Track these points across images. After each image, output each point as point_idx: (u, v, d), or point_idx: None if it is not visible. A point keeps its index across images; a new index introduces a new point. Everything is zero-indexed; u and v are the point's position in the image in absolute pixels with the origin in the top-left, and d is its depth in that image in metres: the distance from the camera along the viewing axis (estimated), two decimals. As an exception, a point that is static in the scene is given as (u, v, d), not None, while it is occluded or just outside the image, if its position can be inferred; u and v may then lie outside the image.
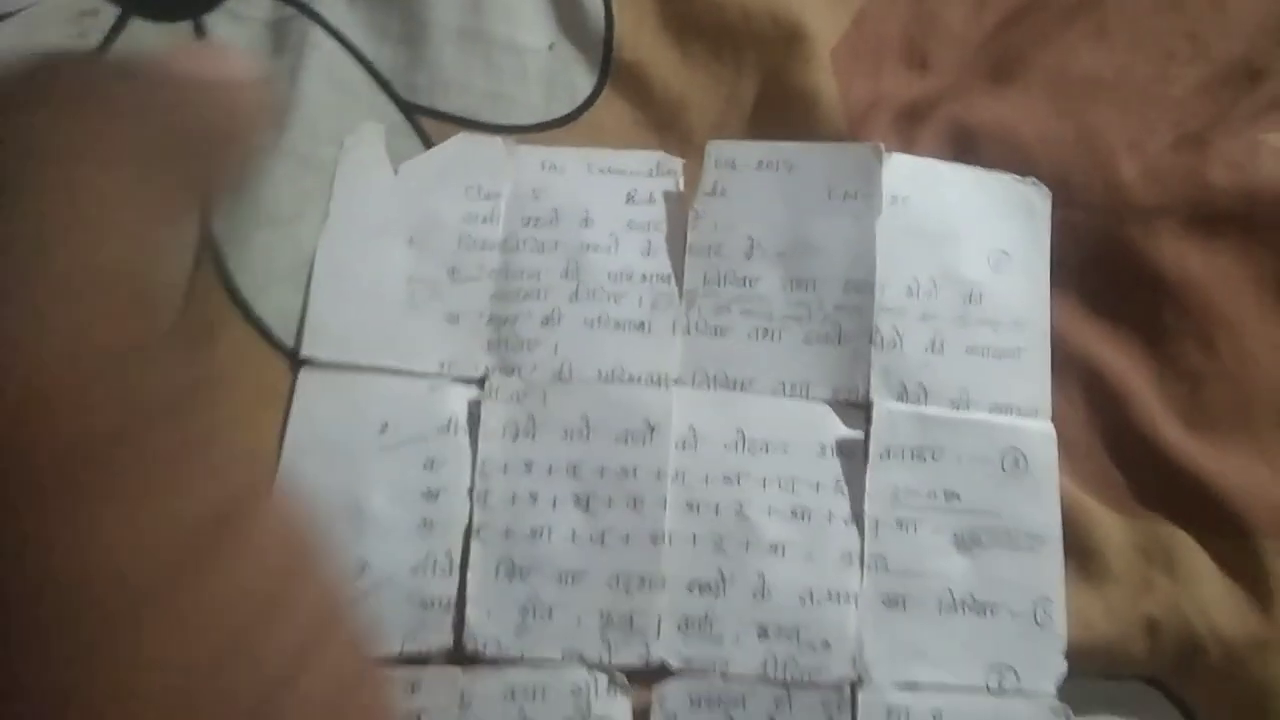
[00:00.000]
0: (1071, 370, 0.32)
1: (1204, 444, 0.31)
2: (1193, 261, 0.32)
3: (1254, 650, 0.29)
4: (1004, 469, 0.30)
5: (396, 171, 0.32)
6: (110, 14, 0.33)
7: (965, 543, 0.29)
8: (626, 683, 0.28)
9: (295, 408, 0.30)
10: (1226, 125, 0.34)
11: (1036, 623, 0.29)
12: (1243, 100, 0.34)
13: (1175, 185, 0.32)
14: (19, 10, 0.33)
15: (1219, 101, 0.34)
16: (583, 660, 0.28)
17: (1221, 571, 0.30)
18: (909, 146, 0.33)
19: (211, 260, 0.31)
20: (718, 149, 0.32)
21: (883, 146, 0.32)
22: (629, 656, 0.28)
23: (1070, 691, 0.29)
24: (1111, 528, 0.30)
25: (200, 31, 0.33)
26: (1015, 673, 0.28)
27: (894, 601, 0.29)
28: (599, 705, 0.28)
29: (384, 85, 0.33)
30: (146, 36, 0.32)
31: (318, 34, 0.33)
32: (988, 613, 0.29)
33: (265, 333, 0.30)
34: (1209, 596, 0.29)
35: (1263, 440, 0.31)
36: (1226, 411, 0.31)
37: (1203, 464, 0.31)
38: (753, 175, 0.32)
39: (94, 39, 0.32)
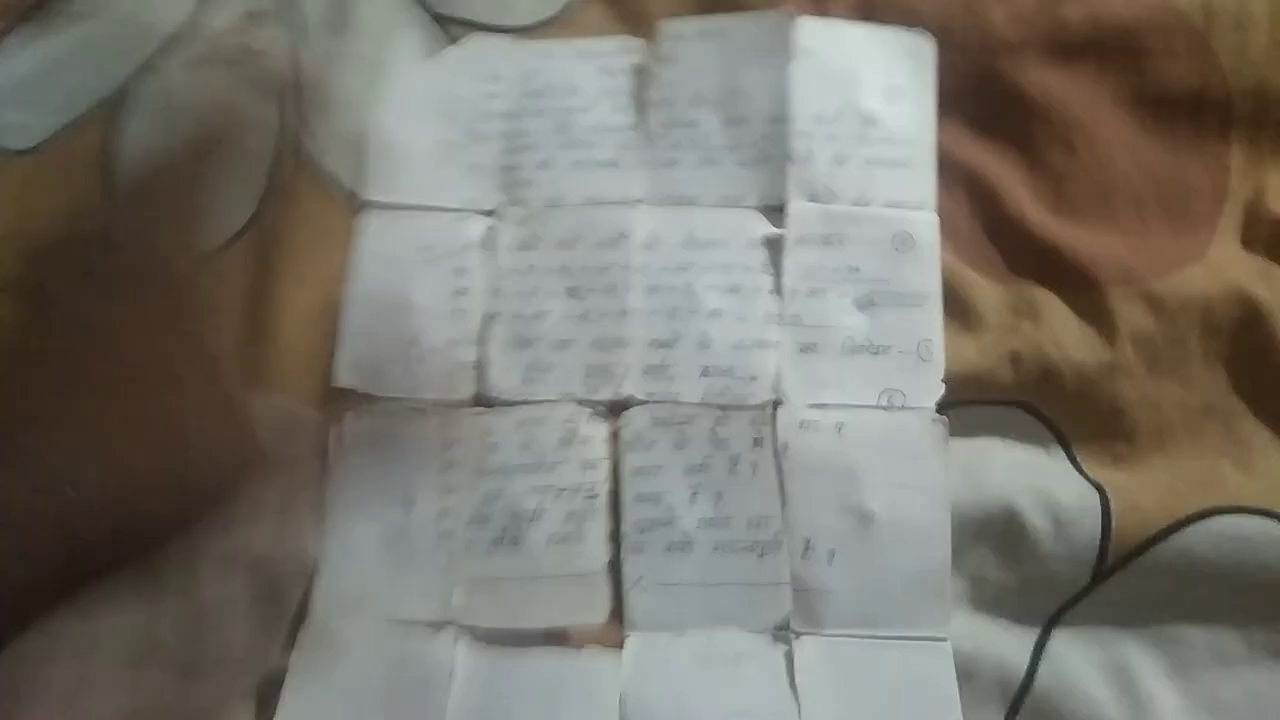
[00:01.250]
0: (956, 175, 0.39)
1: (1066, 224, 0.38)
2: (1053, 83, 0.39)
3: (1102, 373, 0.36)
4: (895, 248, 0.38)
5: (428, 64, 0.43)
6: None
7: (863, 303, 0.37)
8: (605, 411, 0.37)
9: (363, 237, 0.40)
10: (1084, -22, 0.41)
11: (920, 358, 0.37)
12: (1098, -43, 0.41)
13: (1037, 24, 0.40)
14: None
15: (1081, -37, 0.42)
16: (571, 399, 0.37)
17: (1077, 317, 0.37)
18: (819, 14, 0.41)
19: (292, 140, 0.42)
20: (667, 25, 0.42)
21: (793, 11, 0.40)
22: (605, 394, 0.37)
23: (953, 418, 0.36)
24: (987, 291, 0.38)
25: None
26: (903, 394, 0.36)
27: (807, 348, 0.37)
28: (583, 428, 0.37)
29: (419, 1, 0.44)
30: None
31: (373, -32, 0.44)
32: (880, 352, 0.37)
33: (336, 185, 0.41)
34: (1064, 334, 0.37)
35: (1115, 215, 0.38)
36: (1085, 198, 0.39)
37: (1064, 238, 0.38)
38: (695, 43, 0.41)
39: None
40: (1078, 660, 0.34)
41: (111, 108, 0.42)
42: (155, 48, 0.43)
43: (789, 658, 0.34)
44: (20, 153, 0.42)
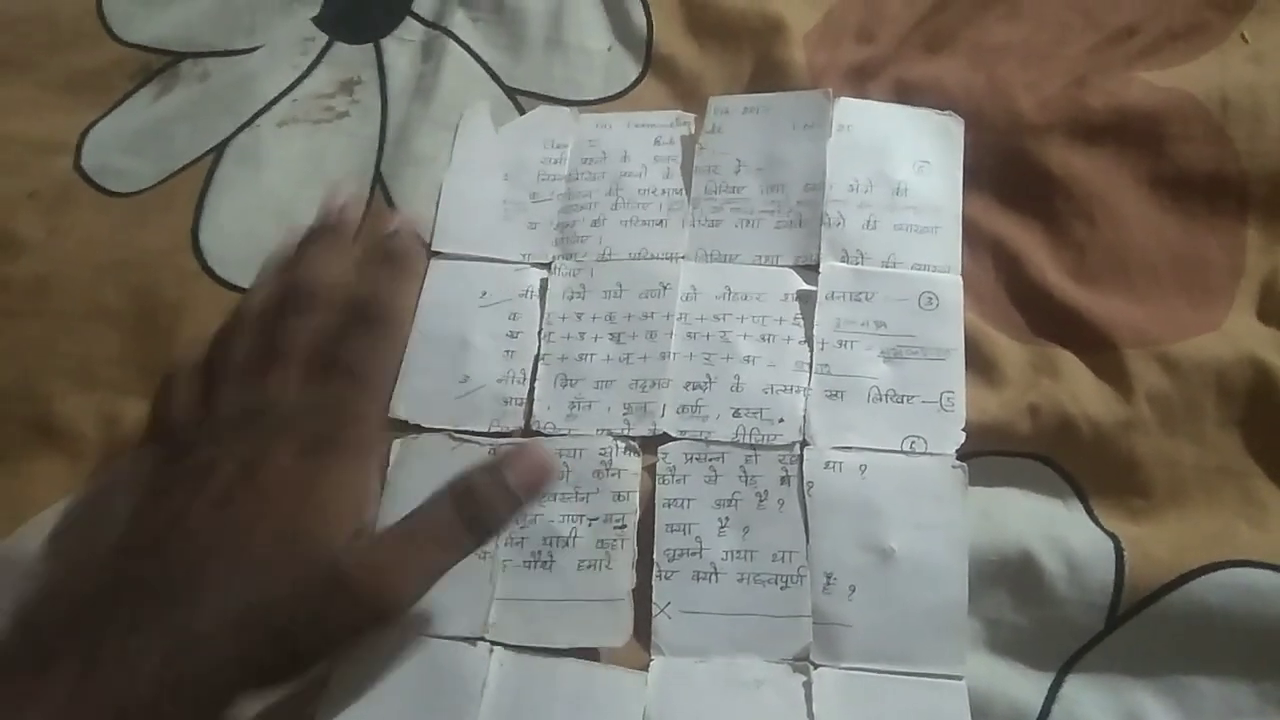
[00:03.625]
0: (982, 242, 0.41)
1: (1086, 290, 0.40)
2: (1076, 163, 0.42)
3: (1119, 429, 0.37)
4: (921, 306, 0.40)
5: (498, 131, 0.47)
6: (322, 39, 0.50)
7: (889, 355, 0.39)
8: (637, 446, 0.39)
9: (428, 282, 0.43)
10: (1106, 69, 0.44)
11: (942, 408, 0.38)
12: (1120, 50, 0.44)
13: (1061, 109, 0.42)
14: (261, 45, 0.50)
15: (1103, 57, 0.44)
16: (609, 434, 0.39)
17: (1094, 375, 0.38)
18: (859, 96, 0.44)
19: (381, 189, 0.45)
20: (716, 102, 0.45)
21: (831, 91, 0.44)
22: (641, 429, 0.39)
23: (972, 468, 0.37)
24: (1008, 349, 0.39)
25: (379, 50, 0.49)
26: (924, 440, 0.37)
27: (834, 394, 0.39)
28: (617, 461, 0.38)
29: (494, 76, 0.48)
30: (343, 54, 0.49)
31: (453, 46, 0.49)
32: (904, 401, 0.38)
33: (412, 234, 0.44)
34: (1082, 391, 0.38)
35: (1134, 284, 0.40)
36: (1105, 267, 0.40)
37: (1084, 302, 0.39)
38: (740, 117, 0.44)
39: (311, 57, 0.49)
40: (1091, 705, 0.34)
41: (210, 161, 0.47)
42: (257, 109, 0.48)
43: (807, 687, 0.34)
44: (123, 195, 0.46)
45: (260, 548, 0.32)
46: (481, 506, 0.33)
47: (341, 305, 0.38)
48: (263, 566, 0.31)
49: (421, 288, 0.43)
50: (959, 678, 0.34)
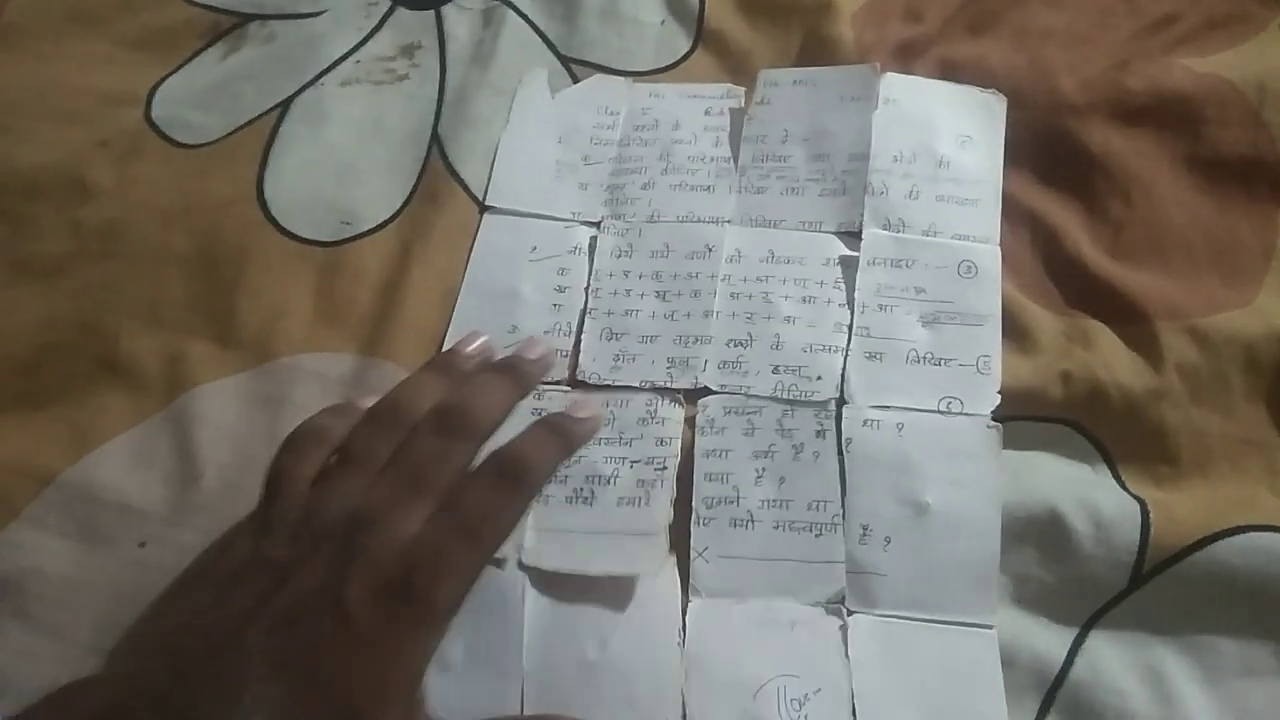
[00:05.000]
0: (1020, 217, 0.42)
1: (1121, 266, 0.41)
2: (1115, 143, 0.43)
3: (1148, 397, 0.38)
4: (959, 274, 0.41)
5: (554, 96, 0.48)
6: (385, 5, 0.51)
7: (928, 320, 0.40)
8: (681, 398, 0.40)
9: (481, 235, 0.44)
10: (1147, 54, 0.44)
11: (979, 371, 0.39)
12: (1161, 36, 0.45)
13: (1102, 90, 0.43)
14: (323, 10, 0.52)
15: (1144, 43, 0.45)
16: (653, 386, 0.40)
17: (1126, 346, 0.39)
18: (904, 73, 0.45)
19: (439, 150, 0.47)
20: (766, 74, 0.46)
21: (878, 65, 0.45)
22: (684, 382, 0.40)
23: (1005, 431, 0.38)
24: (1042, 319, 0.40)
25: (439, 17, 0.51)
26: (961, 401, 0.38)
27: (874, 356, 0.40)
28: (661, 410, 0.40)
29: (550, 45, 0.50)
30: (405, 20, 0.51)
31: (512, 15, 0.50)
32: (942, 364, 0.39)
33: (468, 191, 0.45)
34: (1114, 360, 0.39)
35: (1168, 262, 0.41)
36: (1140, 245, 0.41)
37: (1118, 277, 0.40)
38: (789, 89, 0.46)
39: (374, 21, 0.50)
40: (1113, 659, 0.35)
41: (274, 117, 0.48)
42: (321, 69, 0.49)
43: (843, 630, 0.35)
44: (191, 147, 0.48)
45: (313, 701, 0.28)
46: None
47: (493, 452, 0.33)
48: (310, 707, 0.28)
49: (472, 250, 0.44)
50: (990, 627, 0.35)
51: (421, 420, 0.33)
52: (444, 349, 0.40)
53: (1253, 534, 0.35)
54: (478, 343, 0.37)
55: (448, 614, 0.30)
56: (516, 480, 0.32)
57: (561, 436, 0.33)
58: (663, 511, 0.38)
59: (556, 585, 0.37)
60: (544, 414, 0.39)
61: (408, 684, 0.29)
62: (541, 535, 0.38)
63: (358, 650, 0.29)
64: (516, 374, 0.35)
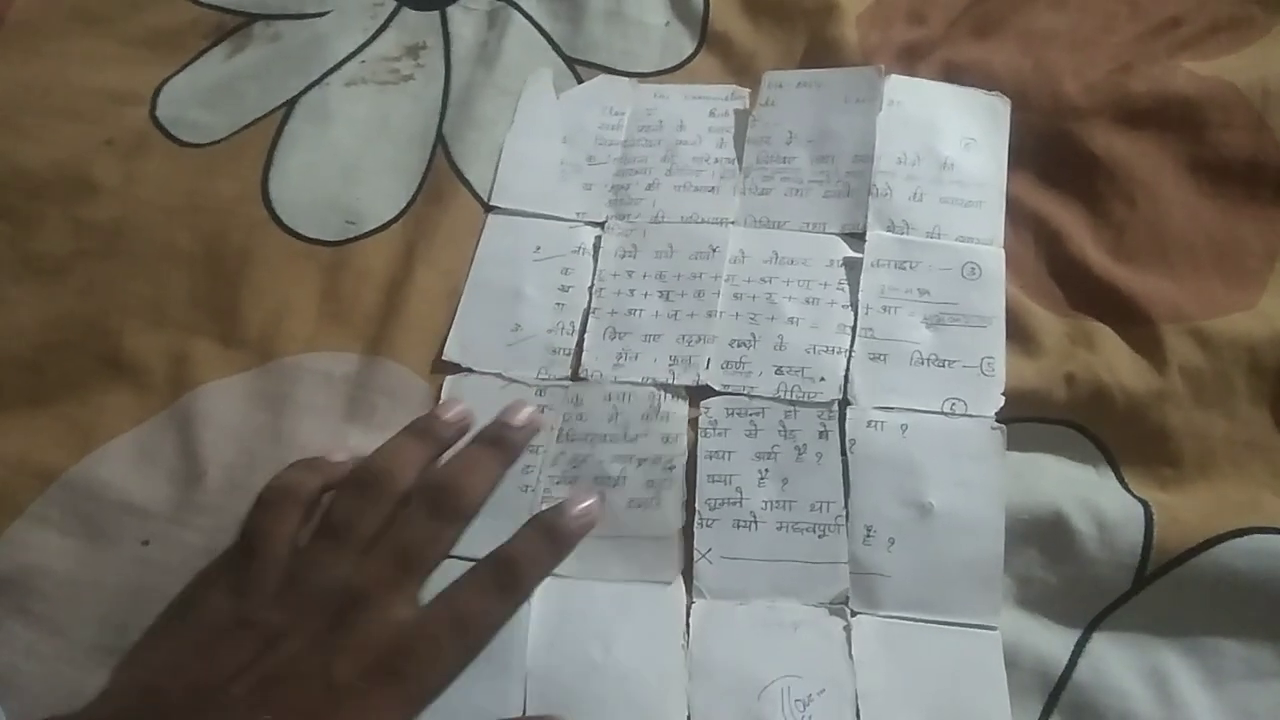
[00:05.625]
0: (1024, 219, 0.42)
1: (1124, 268, 0.41)
2: (1118, 146, 0.42)
3: (1151, 399, 0.38)
4: (963, 275, 0.41)
5: (559, 97, 0.48)
6: (390, 5, 0.51)
7: (932, 322, 0.40)
8: (685, 394, 0.40)
9: (485, 235, 0.44)
10: (1151, 57, 0.44)
11: (983, 373, 0.39)
12: (1164, 39, 0.45)
13: (1105, 93, 0.43)
14: (328, 10, 0.52)
15: (1148, 46, 0.45)
16: (655, 383, 0.40)
17: (1129, 348, 0.39)
18: (908, 75, 0.45)
19: (444, 150, 0.47)
20: (771, 76, 0.46)
21: (883, 68, 0.44)
22: (686, 380, 0.40)
23: (1009, 433, 0.38)
24: (1046, 321, 0.40)
25: (444, 18, 0.51)
26: (965, 403, 0.38)
27: (877, 357, 0.40)
28: (665, 405, 0.39)
29: (555, 46, 0.50)
30: (411, 20, 0.51)
31: (517, 16, 0.50)
32: (946, 365, 0.39)
33: (472, 191, 0.45)
34: (1117, 362, 0.39)
35: (1171, 264, 0.41)
36: (1143, 247, 0.41)
37: (1122, 279, 0.40)
38: (794, 91, 0.46)
39: (380, 21, 0.50)
40: (1116, 661, 0.35)
41: (280, 117, 0.48)
42: (326, 69, 0.49)
43: (846, 631, 0.35)
44: (196, 146, 0.48)
45: None
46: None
47: (490, 555, 0.33)
48: None
49: (476, 250, 0.44)
50: (994, 628, 0.35)
51: (414, 497, 0.34)
52: (428, 412, 0.38)
53: (1256, 536, 0.35)
54: (456, 410, 0.37)
55: (432, 696, 0.31)
56: (511, 584, 0.32)
57: (552, 541, 0.34)
58: (674, 514, 0.37)
59: (560, 586, 0.36)
60: (546, 411, 0.40)
61: None
62: None
63: None
64: (503, 445, 0.36)
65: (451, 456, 0.35)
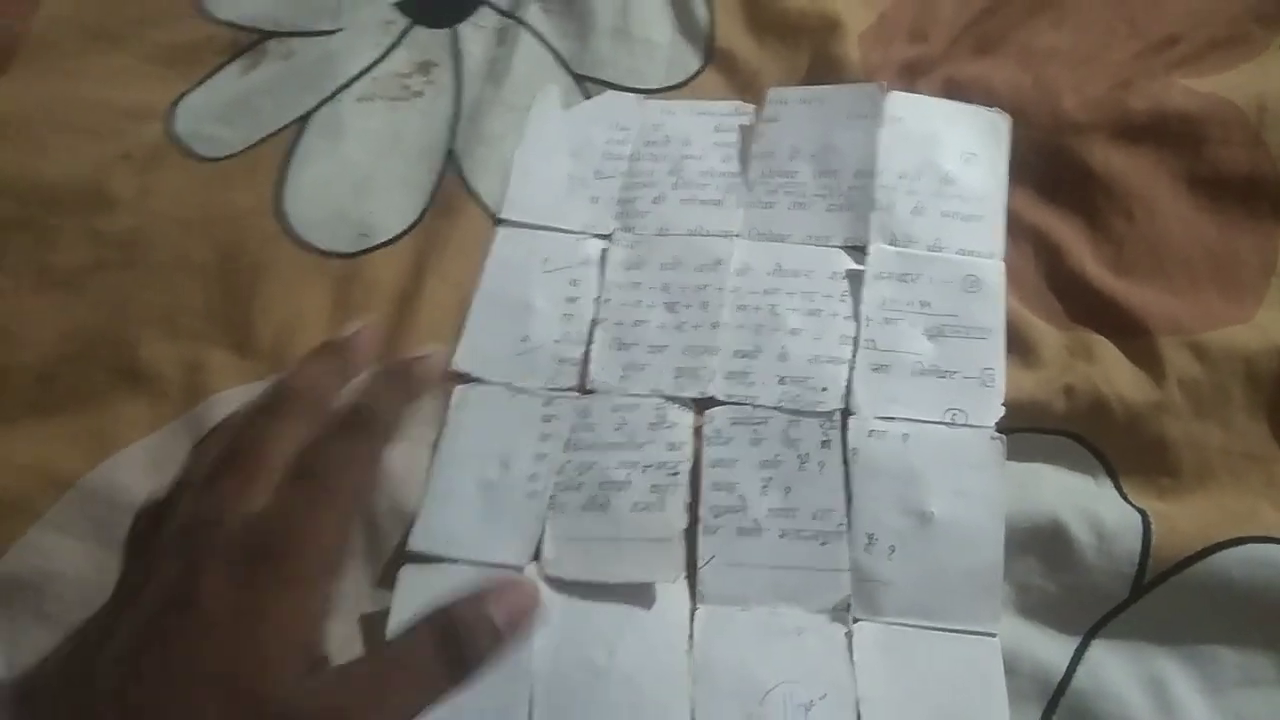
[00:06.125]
0: (1024, 233, 0.43)
1: (1123, 281, 0.41)
2: (1117, 161, 0.43)
3: (1149, 410, 0.38)
4: (964, 288, 0.41)
5: (567, 113, 0.49)
6: (402, 23, 0.52)
7: (933, 333, 0.41)
8: (690, 404, 0.40)
9: (494, 247, 0.45)
10: (1149, 74, 0.45)
11: (983, 383, 0.39)
12: (1162, 57, 0.46)
13: (1104, 109, 0.44)
14: (340, 28, 0.52)
15: (1146, 63, 0.46)
16: (661, 394, 0.41)
17: (1128, 360, 0.40)
18: (910, 91, 0.46)
19: (454, 165, 0.47)
20: (775, 92, 0.47)
21: (885, 84, 0.45)
22: (691, 391, 0.40)
23: (1008, 444, 0.38)
24: (1046, 334, 0.41)
25: (455, 36, 0.52)
26: (965, 413, 0.39)
27: (879, 368, 0.40)
28: (671, 415, 0.40)
29: (563, 63, 0.50)
30: (422, 38, 0.52)
31: (525, 34, 0.51)
32: (946, 376, 0.40)
33: (481, 205, 0.46)
34: (1116, 374, 0.39)
35: (1169, 277, 0.41)
36: (1142, 261, 0.42)
37: (1120, 292, 0.41)
38: (797, 107, 0.46)
39: (391, 39, 0.51)
40: (1114, 668, 0.35)
41: (293, 131, 0.49)
42: (339, 85, 0.50)
43: (848, 637, 0.36)
44: (211, 160, 0.48)
45: (197, 697, 0.27)
46: (463, 644, 0.29)
47: (332, 409, 0.33)
48: (199, 716, 0.26)
49: (485, 262, 0.45)
50: (993, 635, 0.35)
51: (245, 416, 0.33)
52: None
53: (1252, 545, 0.35)
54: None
55: (323, 571, 0.29)
56: (361, 427, 0.32)
57: (402, 382, 0.34)
58: (677, 516, 0.38)
59: (566, 590, 0.37)
60: (553, 420, 0.41)
61: (293, 648, 0.28)
62: (560, 545, 0.38)
63: (228, 628, 0.27)
64: (335, 350, 0.36)
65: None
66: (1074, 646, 0.36)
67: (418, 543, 0.38)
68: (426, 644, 0.29)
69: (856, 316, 0.41)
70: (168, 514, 0.31)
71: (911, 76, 0.47)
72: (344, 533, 0.30)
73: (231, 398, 0.42)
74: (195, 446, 0.35)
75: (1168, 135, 0.43)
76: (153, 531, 0.31)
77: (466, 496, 0.39)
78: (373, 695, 0.28)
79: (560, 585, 0.37)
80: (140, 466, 0.40)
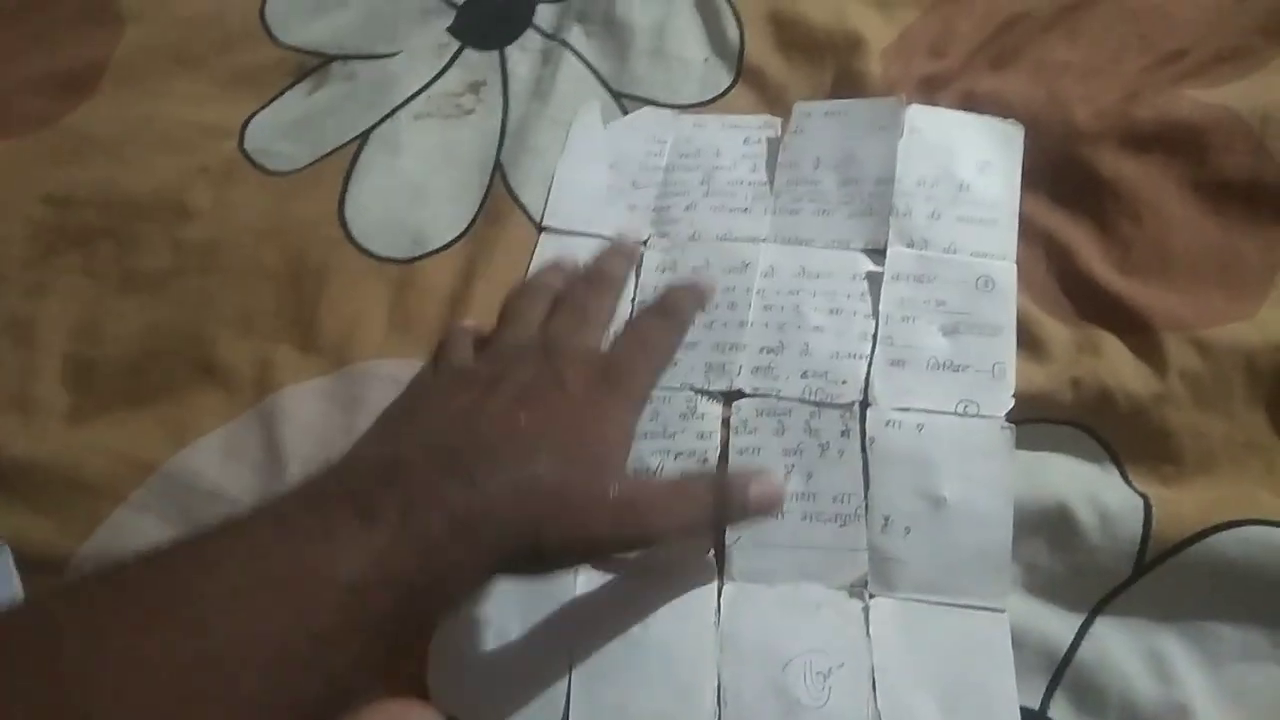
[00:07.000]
0: (1036, 236, 0.45)
1: (1129, 281, 0.43)
2: (1125, 168, 0.45)
3: (1153, 401, 0.40)
4: (977, 288, 0.44)
5: (606, 127, 0.52)
6: (454, 46, 0.56)
7: (948, 330, 0.43)
8: (719, 396, 0.43)
9: (538, 252, 0.48)
10: (1157, 86, 0.47)
11: (994, 377, 0.42)
12: (1171, 69, 0.47)
13: (1113, 119, 0.46)
14: (398, 51, 0.56)
15: (1155, 76, 0.48)
16: (692, 387, 0.44)
17: (1132, 354, 0.42)
18: (929, 103, 0.49)
19: (501, 176, 0.51)
20: (801, 106, 0.50)
21: (904, 97, 0.48)
22: (720, 385, 0.43)
23: (1018, 434, 0.40)
24: (1055, 331, 0.43)
25: (503, 57, 0.55)
26: (977, 404, 0.41)
27: (897, 363, 0.43)
28: (701, 406, 0.43)
29: (603, 82, 0.54)
30: (472, 59, 0.55)
31: (568, 54, 0.54)
32: (960, 370, 0.42)
33: (526, 213, 0.49)
34: (1121, 367, 0.41)
35: (1174, 278, 0.43)
36: (1148, 262, 0.43)
37: (1126, 291, 0.43)
38: (821, 120, 0.49)
39: (444, 61, 0.55)
40: (1118, 643, 0.37)
41: (355, 147, 0.53)
42: (396, 104, 0.54)
43: (865, 612, 0.38)
44: (279, 174, 0.52)
45: (552, 441, 0.33)
46: (731, 504, 0.36)
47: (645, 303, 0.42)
48: (552, 453, 0.33)
49: (532, 260, 0.48)
50: (1002, 610, 0.38)
51: (568, 281, 0.42)
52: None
53: (1250, 527, 0.37)
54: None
55: (640, 403, 0.37)
56: (674, 313, 0.40)
57: (692, 294, 0.41)
58: None
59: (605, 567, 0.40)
60: None
61: (622, 444, 0.36)
62: None
63: (584, 415, 0.35)
64: (625, 257, 0.44)
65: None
66: (1079, 622, 0.38)
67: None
68: (708, 490, 0.36)
69: (875, 315, 0.44)
70: (504, 338, 0.40)
71: (930, 90, 0.49)
72: (654, 384, 0.38)
73: (298, 392, 0.45)
74: (511, 296, 0.41)
75: (1174, 143, 0.45)
76: (506, 338, 0.39)
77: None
78: (665, 499, 0.35)
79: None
80: (216, 453, 0.44)
